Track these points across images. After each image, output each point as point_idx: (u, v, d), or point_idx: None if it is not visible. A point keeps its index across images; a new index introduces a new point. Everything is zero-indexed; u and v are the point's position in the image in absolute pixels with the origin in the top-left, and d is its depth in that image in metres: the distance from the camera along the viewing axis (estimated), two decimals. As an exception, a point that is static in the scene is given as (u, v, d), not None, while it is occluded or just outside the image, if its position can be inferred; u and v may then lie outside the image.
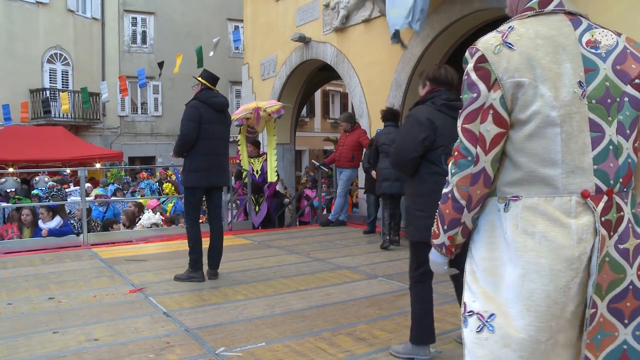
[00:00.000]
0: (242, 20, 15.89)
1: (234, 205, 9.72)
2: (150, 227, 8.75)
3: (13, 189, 12.18)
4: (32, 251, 7.22)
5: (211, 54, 12.53)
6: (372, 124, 9.98)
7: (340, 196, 9.20)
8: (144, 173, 16.81)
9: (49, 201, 9.39)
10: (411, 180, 3.38)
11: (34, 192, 10.86)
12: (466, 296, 1.77)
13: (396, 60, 9.61)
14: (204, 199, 5.90)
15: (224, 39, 22.71)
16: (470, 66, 1.69)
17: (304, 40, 11.96)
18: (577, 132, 1.59)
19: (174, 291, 5.01)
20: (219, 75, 6.01)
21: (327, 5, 11.35)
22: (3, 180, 12.79)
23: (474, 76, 1.67)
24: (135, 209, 9.76)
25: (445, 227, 1.79)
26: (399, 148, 3.37)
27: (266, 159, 9.61)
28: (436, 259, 1.90)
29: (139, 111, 24.79)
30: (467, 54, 1.72)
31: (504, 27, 1.69)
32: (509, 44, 1.63)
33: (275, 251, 7.02)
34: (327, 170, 10.58)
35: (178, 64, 12.91)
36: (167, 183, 13.18)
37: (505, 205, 1.67)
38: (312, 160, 9.43)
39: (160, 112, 24.63)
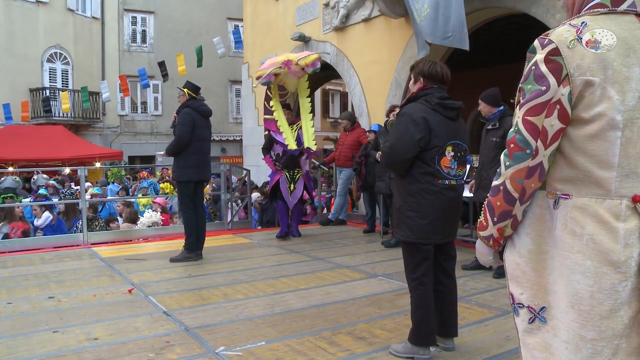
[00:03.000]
0: (242, 19, 15.89)
1: (234, 205, 9.72)
2: (152, 225, 8.75)
3: (12, 187, 12.18)
4: (32, 250, 7.23)
5: (221, 51, 12.25)
6: (371, 123, 9.98)
7: (340, 195, 9.20)
8: (144, 172, 16.78)
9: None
10: (402, 179, 3.30)
11: (41, 191, 10.84)
12: (512, 288, 1.81)
13: (396, 60, 9.61)
14: None
15: (224, 38, 22.69)
16: (540, 57, 1.66)
17: (303, 39, 11.96)
18: (636, 137, 1.59)
19: (174, 290, 5.02)
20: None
21: (327, 5, 11.36)
22: (2, 179, 12.79)
23: (543, 68, 1.64)
24: (127, 209, 9.77)
25: (495, 219, 1.78)
26: (393, 148, 3.26)
27: (301, 126, 7.92)
28: (482, 250, 1.91)
29: (139, 110, 24.79)
30: (536, 43, 1.69)
31: (576, 22, 1.66)
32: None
33: (275, 250, 7.02)
34: (326, 169, 10.56)
35: (180, 64, 12.88)
36: (166, 182, 13.14)
37: (555, 202, 1.69)
38: (312, 159, 9.19)
39: (160, 112, 24.63)
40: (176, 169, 6.41)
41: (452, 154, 3.23)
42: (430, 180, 3.20)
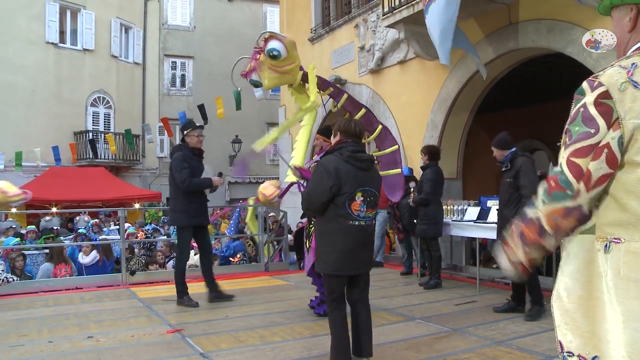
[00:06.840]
0: (278, 63, 16.15)
1: (270, 246, 9.71)
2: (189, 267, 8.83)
3: (57, 227, 12.56)
4: (73, 289, 7.36)
5: (259, 94, 12.10)
6: (407, 165, 9.96)
7: (377, 237, 9.13)
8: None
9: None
10: (320, 220, 3.82)
11: (81, 230, 11.11)
12: (561, 335, 1.73)
13: (432, 101, 9.64)
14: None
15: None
16: (589, 99, 1.61)
17: (339, 82, 12.11)
18: None
19: (211, 332, 5.01)
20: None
21: (362, 48, 11.52)
22: (48, 218, 13.20)
23: (593, 111, 1.60)
24: (167, 249, 9.94)
25: (526, 247, 1.76)
26: (309, 194, 3.76)
27: None
28: (505, 266, 1.87)
29: (178, 152, 25.24)
30: (585, 85, 1.65)
31: (625, 63, 1.63)
32: (635, 82, 1.57)
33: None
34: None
35: (219, 107, 13.11)
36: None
37: (606, 246, 1.63)
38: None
39: (198, 154, 25.04)
40: None
41: (362, 199, 3.69)
42: (342, 221, 3.68)
